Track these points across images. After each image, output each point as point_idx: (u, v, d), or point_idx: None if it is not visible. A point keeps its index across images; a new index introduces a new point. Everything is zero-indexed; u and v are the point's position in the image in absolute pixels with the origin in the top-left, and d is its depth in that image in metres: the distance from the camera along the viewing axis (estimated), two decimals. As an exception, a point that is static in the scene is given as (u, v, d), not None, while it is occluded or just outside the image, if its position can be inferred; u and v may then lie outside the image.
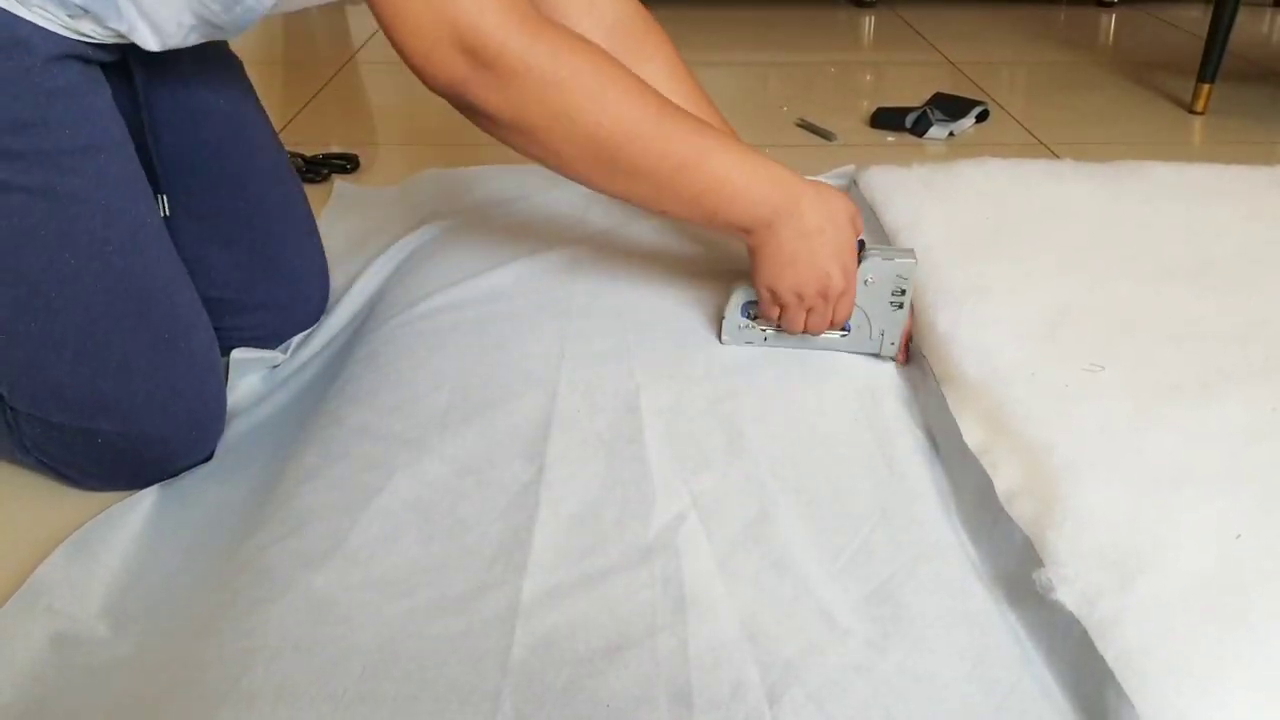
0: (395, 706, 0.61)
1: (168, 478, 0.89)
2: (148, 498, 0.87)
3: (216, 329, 0.94)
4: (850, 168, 1.45)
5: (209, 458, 0.92)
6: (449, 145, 1.74)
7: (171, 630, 0.74)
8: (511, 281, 1.10)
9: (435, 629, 0.67)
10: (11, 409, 0.86)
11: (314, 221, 1.12)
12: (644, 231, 1.21)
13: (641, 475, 0.82)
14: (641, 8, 1.08)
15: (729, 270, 1.13)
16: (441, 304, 1.06)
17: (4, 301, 0.80)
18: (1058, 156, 1.69)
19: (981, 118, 1.87)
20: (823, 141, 1.78)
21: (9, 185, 0.77)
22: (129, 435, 0.86)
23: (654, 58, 1.06)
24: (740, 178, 0.88)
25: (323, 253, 1.13)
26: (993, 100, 1.97)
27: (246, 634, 0.68)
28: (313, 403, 0.98)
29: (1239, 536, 0.73)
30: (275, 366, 1.04)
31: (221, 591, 0.74)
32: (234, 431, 0.95)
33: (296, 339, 1.08)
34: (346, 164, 1.60)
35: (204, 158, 0.98)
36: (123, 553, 0.81)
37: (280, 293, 1.07)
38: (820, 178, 1.43)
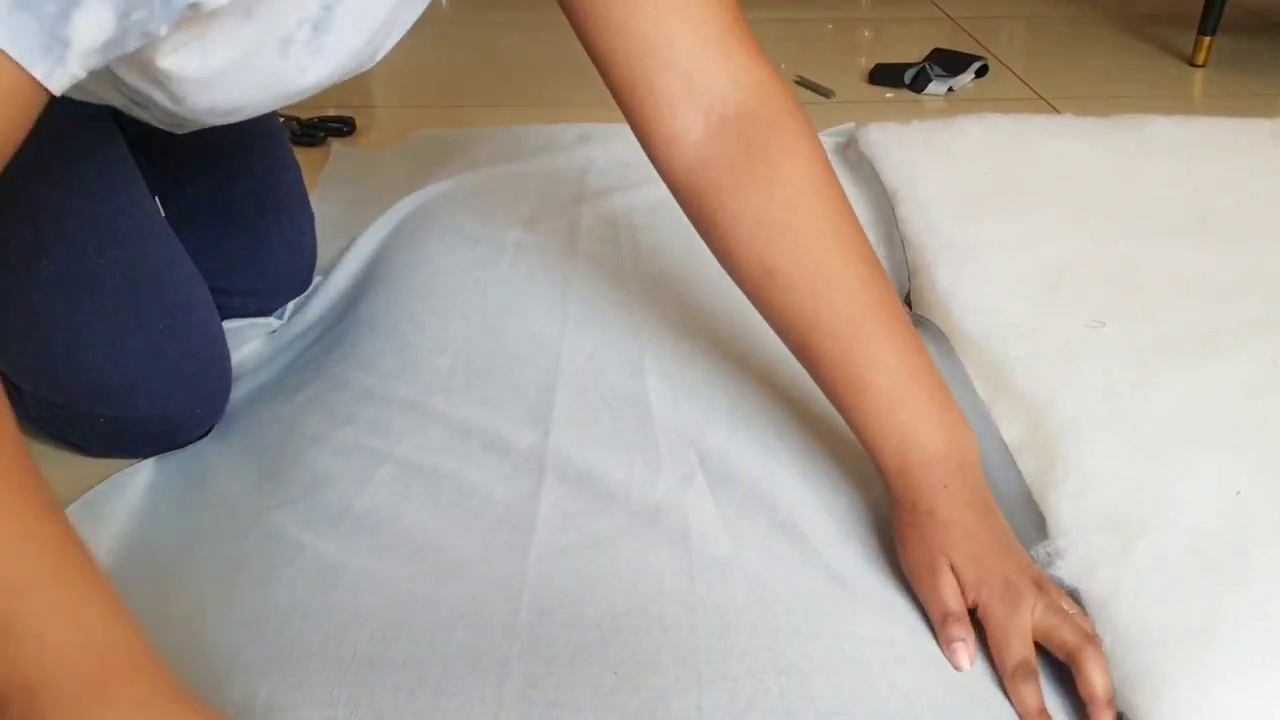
0: (404, 672, 0.61)
1: (175, 449, 0.89)
2: (152, 463, 0.87)
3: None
4: (849, 125, 1.45)
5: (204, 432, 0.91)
6: (445, 107, 1.72)
7: (178, 594, 0.74)
8: (513, 244, 1.09)
9: (443, 594, 0.67)
10: (19, 390, 0.86)
11: (306, 201, 1.09)
12: (645, 193, 1.20)
13: (647, 438, 0.82)
14: (772, 80, 0.76)
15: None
16: (442, 268, 1.05)
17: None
18: (1057, 111, 1.68)
19: (981, 73, 1.85)
20: (821, 99, 1.77)
21: None
22: (129, 418, 0.85)
23: (781, 167, 0.74)
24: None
25: (313, 233, 1.10)
26: (992, 55, 1.96)
27: (256, 600, 0.68)
28: (315, 366, 0.97)
29: (1239, 493, 0.74)
30: (272, 332, 1.04)
31: (229, 556, 0.74)
32: (237, 396, 0.94)
33: (291, 304, 1.08)
34: (343, 127, 1.59)
35: (193, 152, 0.96)
36: (129, 516, 0.81)
37: (263, 282, 1.05)
38: (822, 135, 1.43)
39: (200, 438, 0.90)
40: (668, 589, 0.68)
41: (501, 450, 0.81)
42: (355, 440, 0.82)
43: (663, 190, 1.19)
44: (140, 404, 0.84)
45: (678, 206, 1.16)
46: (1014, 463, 0.79)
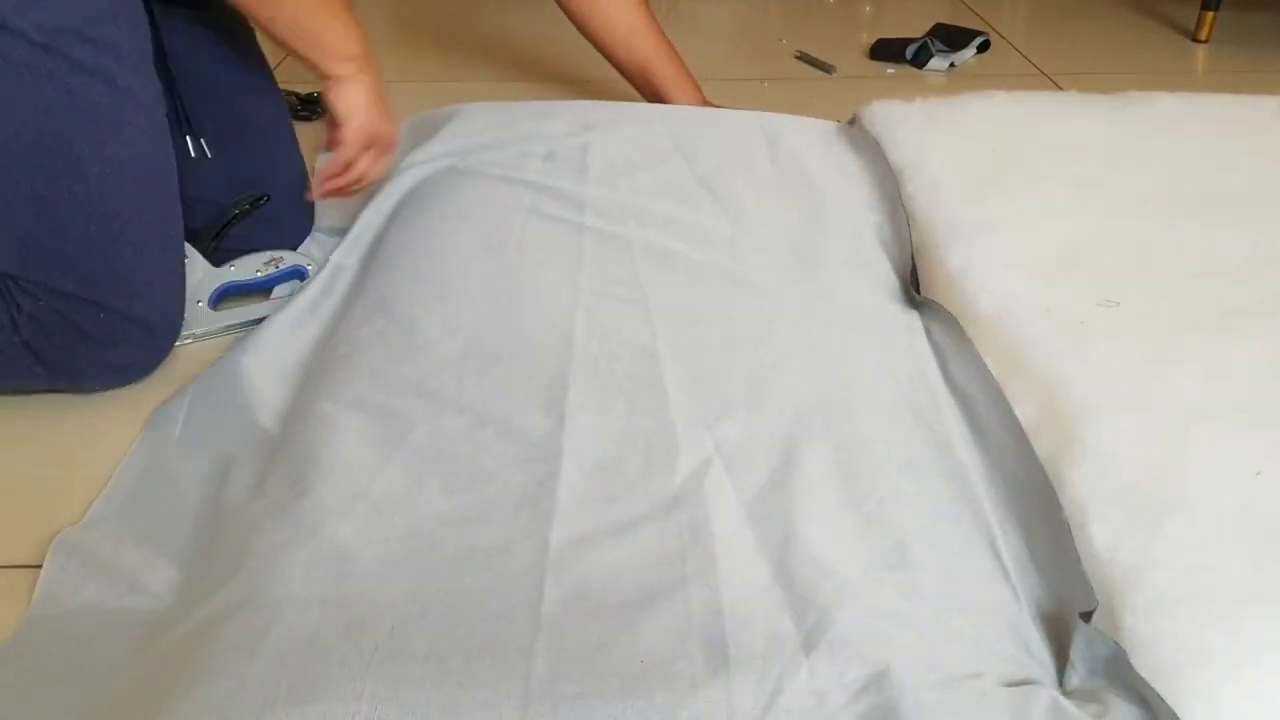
0: (427, 664, 0.61)
1: (126, 381, 0.97)
2: (167, 443, 0.88)
3: (195, 230, 1.05)
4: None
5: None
6: (444, 81, 1.71)
7: (198, 572, 0.74)
8: (519, 228, 1.08)
9: (464, 583, 0.67)
10: (14, 284, 0.91)
11: (294, 136, 1.20)
12: (652, 174, 1.19)
13: (664, 423, 0.81)
14: None
15: (736, 206, 1.12)
16: (448, 252, 1.04)
17: (44, 171, 0.87)
18: (1060, 87, 1.67)
19: (983, 48, 1.84)
20: (822, 74, 1.76)
21: (80, 65, 0.86)
22: (128, 314, 0.93)
23: None
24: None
25: (304, 167, 1.19)
26: (994, 30, 1.94)
27: (271, 579, 0.68)
28: (321, 350, 0.97)
29: (1259, 473, 0.74)
30: (261, 319, 1.03)
31: (243, 536, 0.74)
32: (246, 376, 0.94)
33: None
34: (340, 104, 1.57)
35: (202, 72, 1.08)
36: (148, 499, 0.82)
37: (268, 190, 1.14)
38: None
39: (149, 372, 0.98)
40: (690, 574, 0.67)
41: (517, 437, 0.80)
42: (367, 426, 0.82)
43: (668, 169, 1.19)
44: (139, 299, 0.94)
45: (683, 187, 1.16)
46: (1029, 442, 0.79)
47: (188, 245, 1.01)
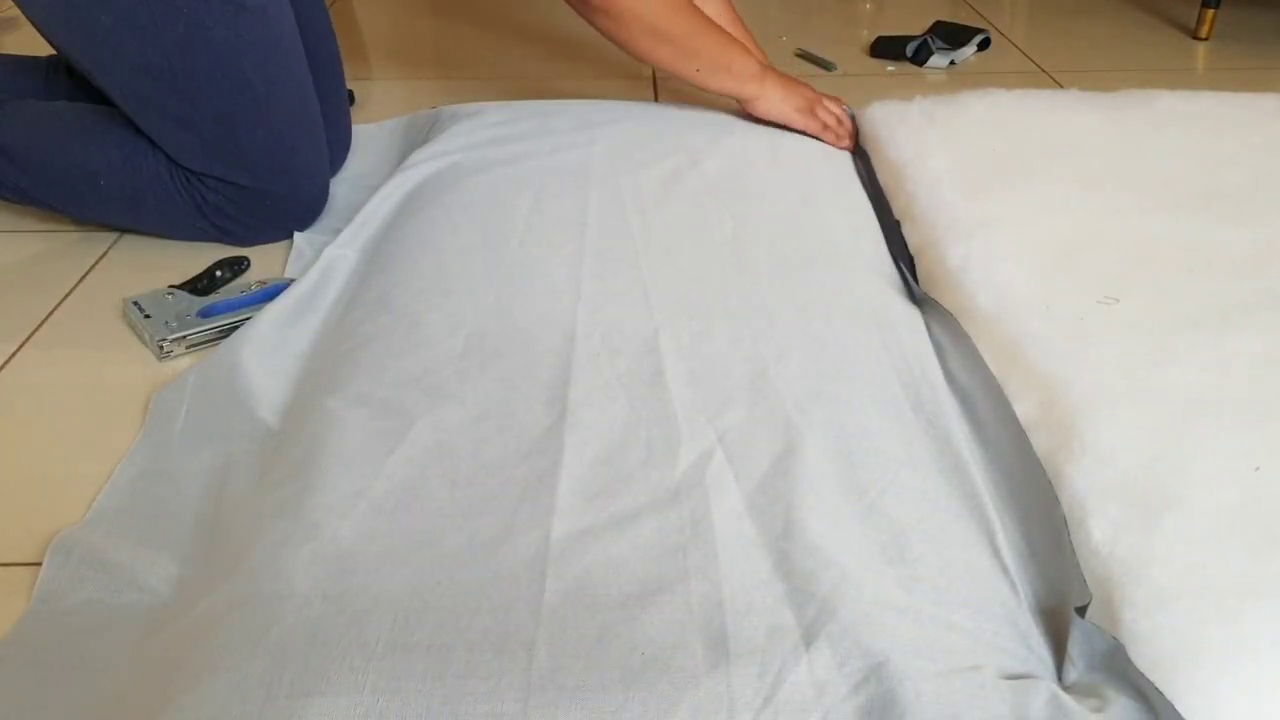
0: (429, 656, 0.61)
1: (299, 229, 1.22)
2: (168, 439, 0.88)
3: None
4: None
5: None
6: (446, 79, 1.71)
7: (198, 569, 0.74)
8: (521, 224, 1.08)
9: (466, 576, 0.67)
10: (200, 182, 1.16)
11: (344, 79, 1.37)
12: (653, 172, 1.19)
13: (665, 416, 0.82)
14: None
15: (739, 202, 1.12)
16: (451, 247, 1.05)
17: (225, 96, 1.11)
18: (1060, 85, 1.67)
19: (983, 46, 1.85)
20: (823, 72, 1.76)
21: (243, 7, 1.09)
22: (288, 195, 1.19)
23: None
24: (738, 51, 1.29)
25: (348, 108, 1.39)
26: (994, 28, 1.95)
27: (273, 576, 0.68)
28: (324, 344, 0.97)
29: (1258, 469, 0.74)
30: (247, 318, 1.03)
31: (244, 533, 0.74)
32: (245, 368, 0.94)
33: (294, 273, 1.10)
34: (342, 101, 1.58)
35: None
36: (149, 496, 0.82)
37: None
38: None
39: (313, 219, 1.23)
40: (692, 567, 0.68)
41: (519, 431, 0.80)
42: (369, 421, 0.82)
43: (669, 167, 1.19)
44: (297, 183, 1.20)
45: (685, 184, 1.16)
46: (1027, 438, 0.79)
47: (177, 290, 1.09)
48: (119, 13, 1.06)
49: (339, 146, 1.36)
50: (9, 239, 1.24)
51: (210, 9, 1.08)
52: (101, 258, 1.20)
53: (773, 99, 1.30)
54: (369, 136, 1.44)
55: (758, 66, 1.30)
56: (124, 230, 1.23)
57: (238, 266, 1.14)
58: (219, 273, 1.12)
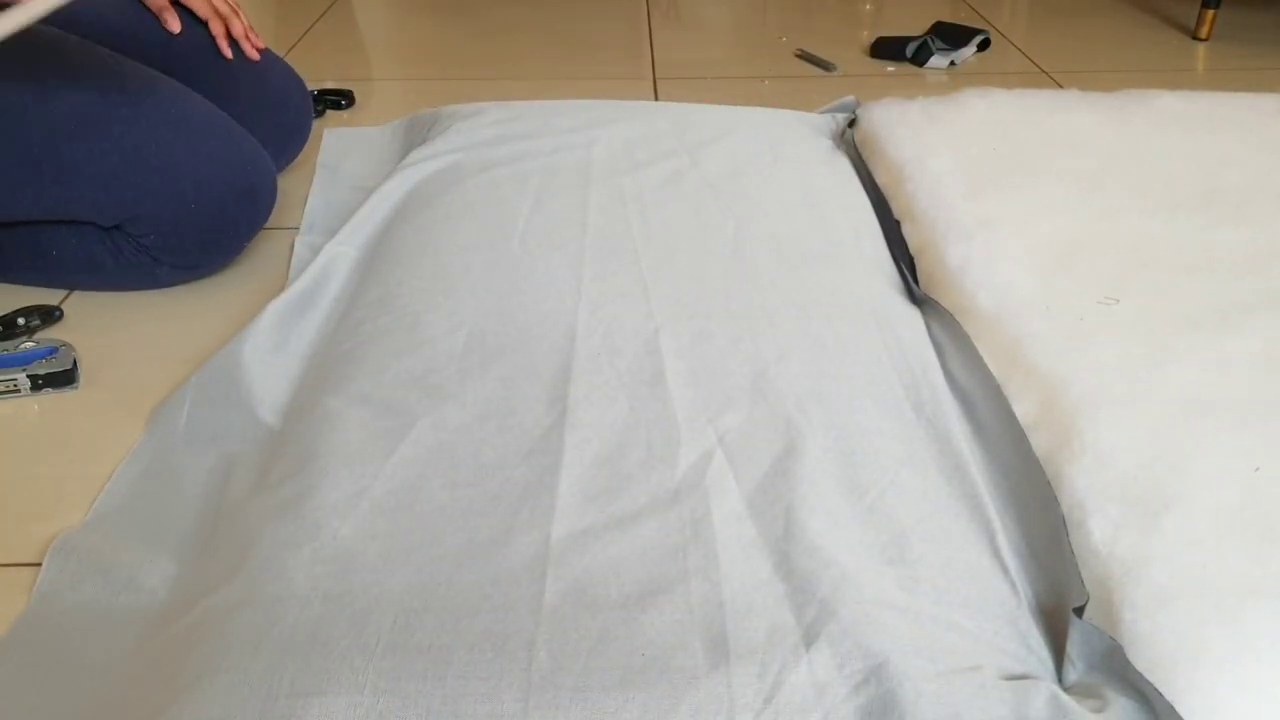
0: (429, 656, 0.61)
1: (262, 222, 1.14)
2: (171, 439, 0.88)
3: None
4: (850, 98, 1.44)
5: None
6: (444, 79, 1.71)
7: (198, 570, 0.74)
8: (522, 223, 1.08)
9: (466, 576, 0.67)
10: (124, 234, 1.07)
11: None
12: (654, 171, 1.19)
13: (665, 416, 0.82)
14: None
15: (739, 203, 1.12)
16: (451, 246, 1.05)
17: (33, 153, 0.99)
18: (1060, 85, 1.67)
19: (983, 46, 1.85)
20: (822, 72, 1.76)
21: None
22: (201, 201, 1.07)
23: None
24: None
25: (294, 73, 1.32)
26: (994, 28, 1.95)
27: (274, 577, 0.68)
28: (323, 343, 0.97)
29: (1258, 469, 0.74)
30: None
31: (245, 534, 0.74)
32: (247, 367, 0.93)
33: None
34: (342, 99, 1.58)
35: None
36: (150, 496, 0.82)
37: (268, 111, 1.26)
38: (821, 111, 1.42)
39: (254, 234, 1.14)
40: (692, 567, 0.68)
41: (519, 431, 0.80)
42: (370, 421, 0.82)
43: (669, 167, 1.19)
44: (204, 186, 1.07)
45: (684, 184, 1.17)
46: (1027, 438, 0.79)
47: None
48: None
49: (273, 124, 1.27)
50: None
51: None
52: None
53: None
54: (370, 138, 1.44)
55: None
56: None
57: (48, 315, 1.05)
58: (21, 320, 1.03)
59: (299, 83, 1.33)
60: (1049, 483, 0.75)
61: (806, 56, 1.82)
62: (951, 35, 1.83)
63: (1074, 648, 0.64)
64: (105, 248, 1.09)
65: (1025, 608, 0.68)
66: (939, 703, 0.57)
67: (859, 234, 1.10)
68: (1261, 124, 1.30)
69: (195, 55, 1.22)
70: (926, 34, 1.82)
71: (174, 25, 1.21)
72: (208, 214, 1.08)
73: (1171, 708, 0.58)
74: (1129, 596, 0.65)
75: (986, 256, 1.01)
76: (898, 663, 0.59)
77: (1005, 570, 0.70)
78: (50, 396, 0.96)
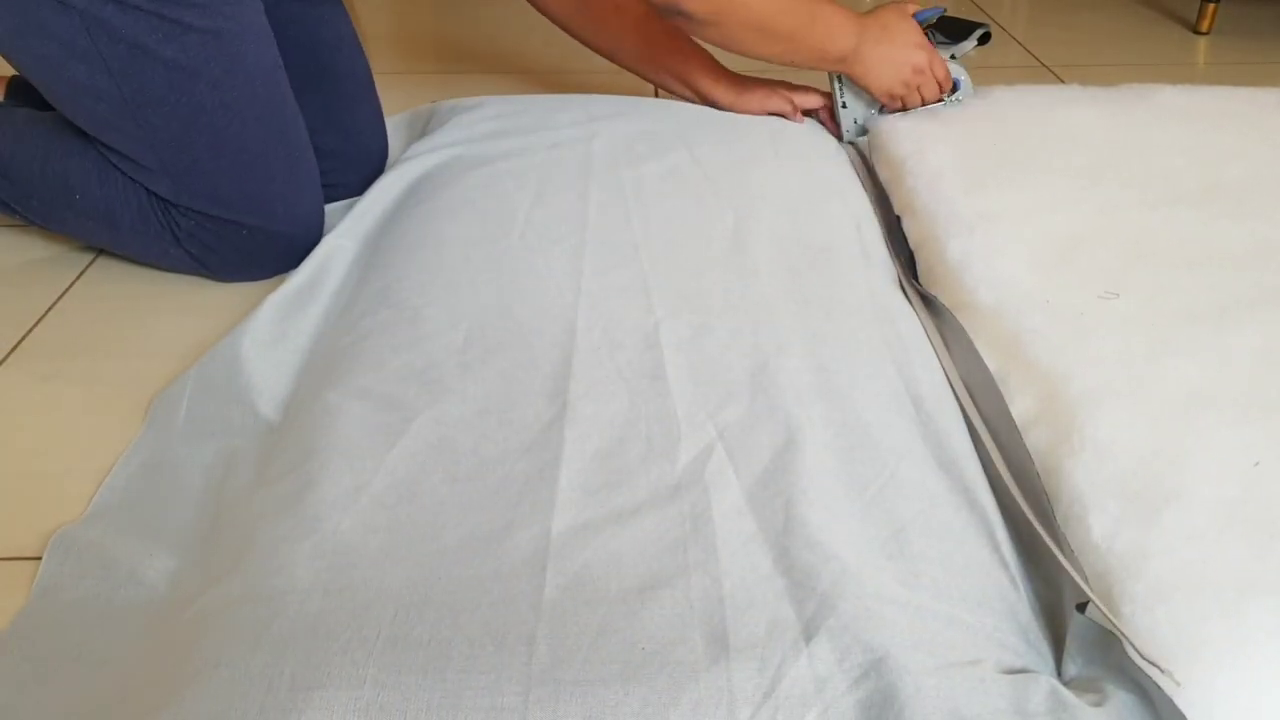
0: (429, 650, 0.61)
1: (284, 270, 1.14)
2: (170, 433, 0.88)
3: None
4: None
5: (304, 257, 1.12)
6: (445, 73, 1.71)
7: (198, 564, 0.74)
8: (522, 218, 1.08)
9: (466, 571, 0.67)
10: (173, 208, 1.10)
11: (374, 87, 1.34)
12: (654, 166, 1.19)
13: (665, 411, 0.81)
14: None
15: (740, 197, 1.12)
16: (452, 240, 1.05)
17: (180, 119, 1.05)
18: (1061, 79, 1.67)
19: (983, 40, 1.83)
20: (823, 67, 1.75)
21: (191, 27, 1.02)
22: (265, 229, 1.11)
23: None
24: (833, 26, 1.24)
25: (381, 116, 1.35)
26: (995, 22, 1.95)
27: (274, 572, 0.68)
28: (323, 337, 0.97)
29: (1258, 464, 0.74)
30: None
31: (245, 528, 0.74)
32: (247, 360, 0.94)
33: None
34: (342, 96, 1.57)
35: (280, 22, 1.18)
36: (149, 490, 0.82)
37: (345, 144, 1.28)
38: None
39: (303, 258, 1.11)
40: (692, 562, 0.68)
41: (519, 425, 0.80)
42: (370, 415, 0.82)
43: (670, 162, 1.19)
44: (274, 216, 1.12)
45: (685, 179, 1.16)
46: (1020, 434, 0.79)
47: None
48: (60, 41, 1.01)
49: (361, 162, 1.31)
50: (10, 235, 1.24)
51: (153, 29, 1.01)
52: (101, 254, 1.20)
53: (870, 68, 1.29)
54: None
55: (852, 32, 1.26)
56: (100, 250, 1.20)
57: None
58: None
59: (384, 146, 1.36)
60: (1039, 476, 0.75)
61: (807, 51, 1.81)
62: (952, 29, 1.82)
63: (1074, 641, 0.64)
64: (134, 206, 1.11)
65: (1025, 602, 0.68)
66: (939, 696, 0.58)
67: (859, 229, 1.10)
68: (1263, 118, 1.30)
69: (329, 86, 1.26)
70: (927, 28, 1.81)
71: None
72: (255, 236, 1.11)
73: (1171, 702, 0.58)
74: (1128, 590, 0.65)
75: (986, 251, 1.00)
76: (897, 657, 0.59)
77: (1005, 565, 0.70)
78: (49, 390, 0.96)
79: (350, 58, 1.30)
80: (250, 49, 1.07)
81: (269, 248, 1.13)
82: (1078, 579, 0.65)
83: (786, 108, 1.36)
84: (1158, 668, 0.59)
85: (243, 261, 1.13)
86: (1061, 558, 0.67)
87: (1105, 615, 0.63)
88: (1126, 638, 0.62)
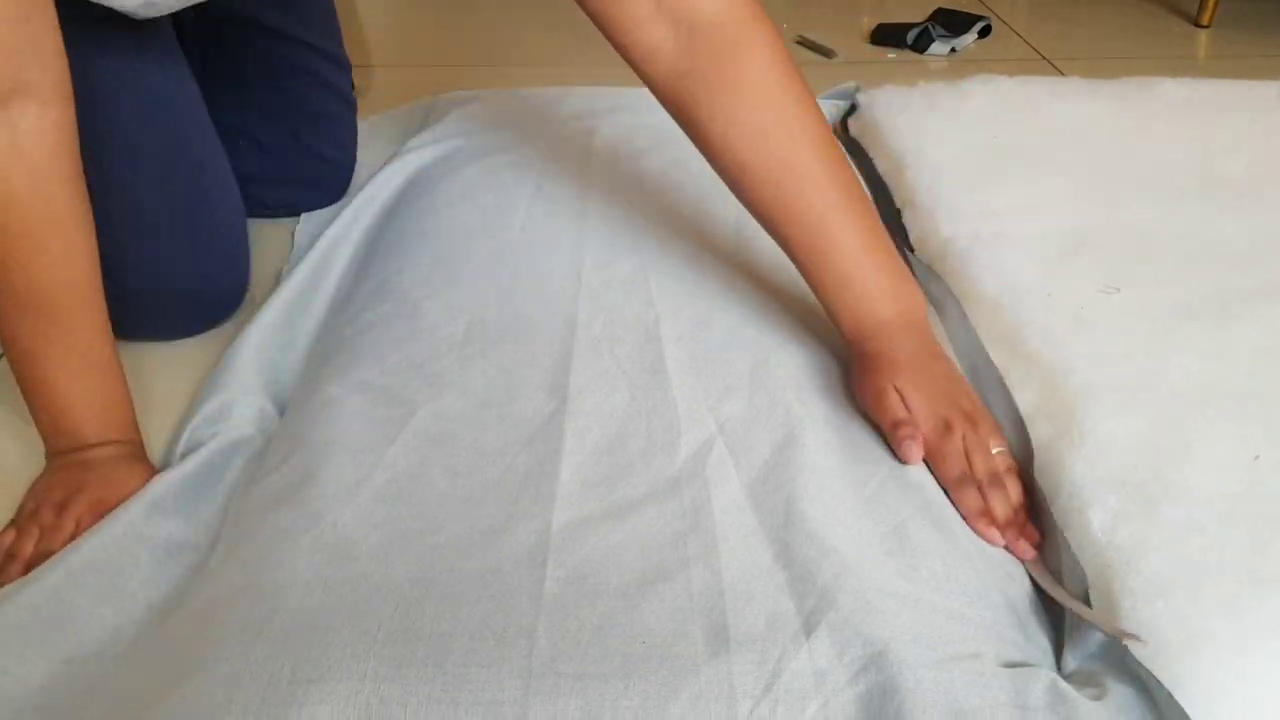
0: (431, 644, 0.61)
1: (205, 329, 1.01)
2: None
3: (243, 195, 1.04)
4: (851, 84, 1.43)
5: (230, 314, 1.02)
6: (446, 66, 1.71)
7: (197, 558, 0.74)
8: (523, 210, 1.08)
9: (467, 565, 0.67)
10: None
11: (352, 103, 1.22)
12: (654, 159, 1.19)
13: (665, 404, 0.81)
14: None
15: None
16: (452, 233, 1.05)
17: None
18: (1061, 72, 1.67)
19: (984, 33, 1.84)
20: (823, 59, 1.76)
21: None
22: (158, 292, 0.96)
23: (747, 72, 0.81)
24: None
25: (354, 136, 1.23)
26: (995, 15, 1.94)
27: (275, 565, 0.68)
28: (323, 329, 0.97)
29: (1258, 458, 0.74)
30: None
31: (247, 522, 0.74)
32: (250, 356, 0.94)
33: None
34: (342, 89, 1.57)
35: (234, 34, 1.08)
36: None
37: (307, 169, 1.18)
38: (821, 98, 1.41)
39: (225, 320, 0.99)
40: (692, 555, 0.68)
41: (520, 419, 0.80)
42: (371, 409, 0.82)
43: (671, 155, 1.19)
44: (167, 278, 0.95)
45: (686, 172, 1.16)
46: (1025, 427, 0.79)
47: None
48: None
49: (332, 178, 1.21)
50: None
51: None
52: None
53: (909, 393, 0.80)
54: (369, 125, 1.44)
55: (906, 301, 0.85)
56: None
57: None
58: None
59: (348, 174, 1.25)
60: (1036, 473, 0.75)
61: (806, 43, 1.81)
62: (952, 22, 1.82)
63: (1074, 635, 0.64)
64: None
65: (1025, 596, 0.68)
66: (938, 690, 0.58)
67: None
68: (1264, 111, 1.30)
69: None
70: (927, 21, 1.81)
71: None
72: (166, 297, 0.98)
73: (1170, 696, 0.58)
74: (1128, 584, 0.65)
75: (987, 245, 1.00)
76: (897, 650, 0.59)
77: (1004, 559, 0.70)
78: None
79: (318, 72, 1.19)
80: (127, 70, 0.92)
81: (167, 312, 0.99)
82: (1034, 575, 0.65)
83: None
84: (1122, 636, 0.60)
85: (144, 325, 0.99)
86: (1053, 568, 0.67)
87: (1062, 595, 0.63)
88: (1091, 620, 0.62)
